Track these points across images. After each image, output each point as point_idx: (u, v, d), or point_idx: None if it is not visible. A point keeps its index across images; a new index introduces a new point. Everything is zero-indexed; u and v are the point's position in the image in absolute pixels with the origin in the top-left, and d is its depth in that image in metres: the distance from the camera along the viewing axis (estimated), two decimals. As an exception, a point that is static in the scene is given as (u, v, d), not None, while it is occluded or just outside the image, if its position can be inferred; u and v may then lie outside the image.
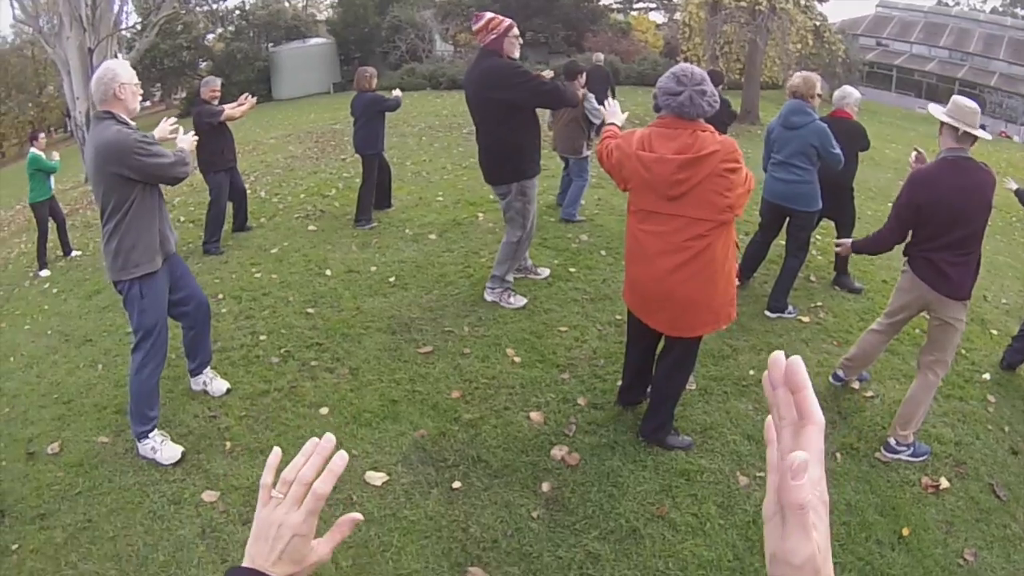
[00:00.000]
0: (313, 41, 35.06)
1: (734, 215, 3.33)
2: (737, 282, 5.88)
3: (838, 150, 5.35)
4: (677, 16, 22.59)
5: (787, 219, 5.72)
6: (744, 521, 3.46)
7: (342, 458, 0.85)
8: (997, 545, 3.79)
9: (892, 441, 4.19)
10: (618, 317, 5.21)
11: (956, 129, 3.81)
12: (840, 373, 4.80)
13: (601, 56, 18.36)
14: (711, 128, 3.33)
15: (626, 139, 3.50)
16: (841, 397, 4.76)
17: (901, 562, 3.34)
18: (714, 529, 3.40)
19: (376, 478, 3.63)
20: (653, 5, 44.21)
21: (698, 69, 3.33)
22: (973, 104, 3.85)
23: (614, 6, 42.87)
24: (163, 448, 3.87)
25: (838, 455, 4.08)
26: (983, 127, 4.03)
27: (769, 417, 0.63)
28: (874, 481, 3.92)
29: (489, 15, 4.97)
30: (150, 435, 3.88)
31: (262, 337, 5.22)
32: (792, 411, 0.60)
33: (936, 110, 3.99)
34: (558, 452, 3.83)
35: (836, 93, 6.24)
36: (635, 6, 44.34)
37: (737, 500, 3.59)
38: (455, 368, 4.65)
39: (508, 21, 4.94)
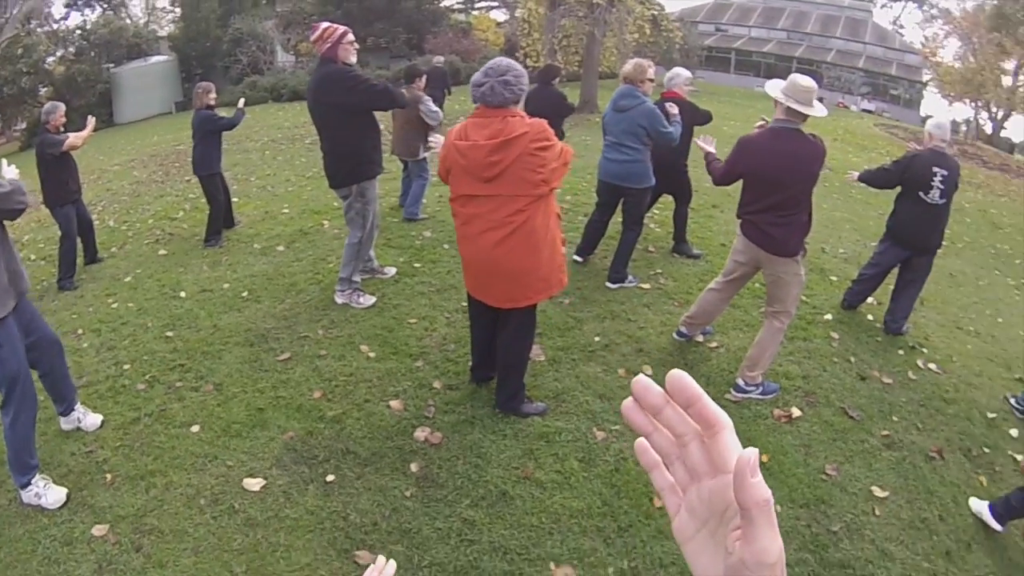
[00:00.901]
0: (155, 59, 33.34)
1: (550, 188, 3.56)
2: (579, 258, 6.18)
3: (670, 129, 5.61)
4: (518, 13, 22.93)
5: (622, 197, 5.98)
6: (606, 471, 3.71)
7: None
8: (858, 458, 4.24)
9: (741, 382, 4.53)
10: (463, 304, 5.37)
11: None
12: (683, 330, 5.14)
13: (440, 58, 18.60)
14: (522, 114, 3.54)
15: (449, 133, 3.70)
16: (687, 351, 5.11)
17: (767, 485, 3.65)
18: (579, 481, 3.62)
19: (254, 484, 3.65)
20: (495, 4, 44.68)
21: (507, 61, 3.57)
22: (808, 82, 4.13)
23: (455, 7, 43.09)
24: (47, 493, 3.71)
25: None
26: (821, 100, 4.37)
27: (641, 440, 0.60)
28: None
29: (325, 24, 5.05)
30: (32, 482, 3.72)
31: (126, 366, 5.10)
32: (689, 424, 0.57)
33: (771, 87, 4.28)
34: (421, 434, 3.96)
35: (666, 75, 6.52)
36: (476, 6, 44.73)
37: (597, 453, 3.85)
38: (314, 370, 4.71)
39: (342, 29, 5.02)
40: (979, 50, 33.60)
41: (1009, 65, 35.10)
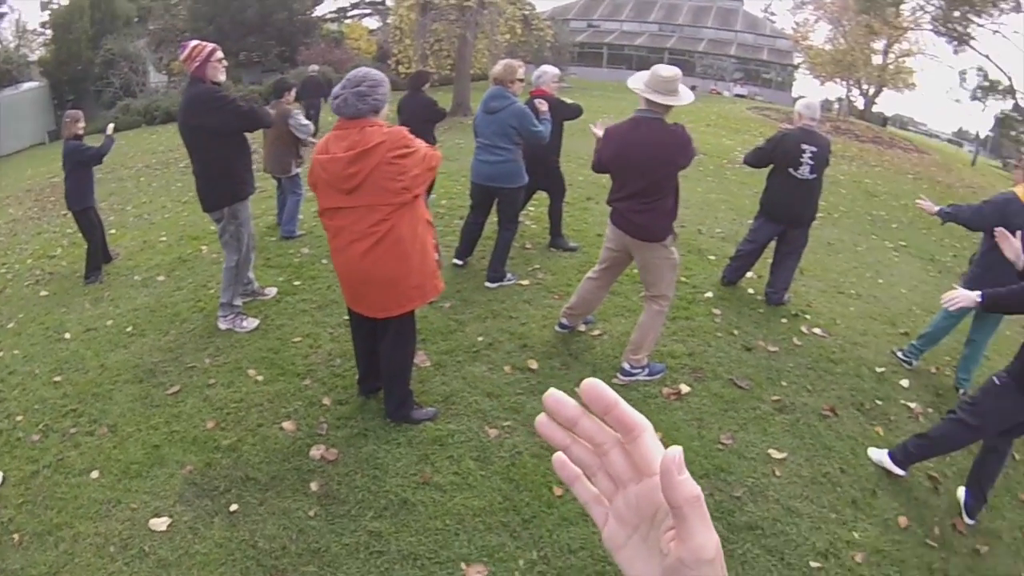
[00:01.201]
0: (26, 86, 31.62)
1: (413, 196, 3.57)
2: (458, 261, 6.20)
3: (540, 127, 5.67)
4: (389, 20, 22.85)
5: (495, 198, 6.03)
6: (503, 467, 3.77)
7: None
8: (751, 425, 4.42)
9: (626, 366, 4.65)
10: (346, 318, 5.33)
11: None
12: (565, 322, 5.24)
13: (315, 67, 18.48)
14: (381, 123, 3.54)
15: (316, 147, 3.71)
16: (571, 341, 5.21)
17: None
18: (477, 480, 3.66)
19: (160, 524, 3.56)
20: (367, 11, 44.46)
21: (363, 72, 3.59)
22: (668, 72, 4.21)
23: (328, 16, 42.70)
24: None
25: (577, 390, 4.40)
26: (694, 88, 4.47)
27: (558, 455, 0.60)
28: None
29: (193, 43, 4.96)
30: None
31: (18, 418, 4.90)
32: (608, 432, 0.56)
33: (633, 81, 4.34)
34: (317, 452, 3.93)
35: (534, 73, 6.57)
36: (349, 14, 44.42)
37: (491, 450, 3.91)
38: (205, 400, 4.62)
39: (210, 47, 4.94)
40: (849, 32, 34.95)
41: (879, 45, 36.84)
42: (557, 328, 5.27)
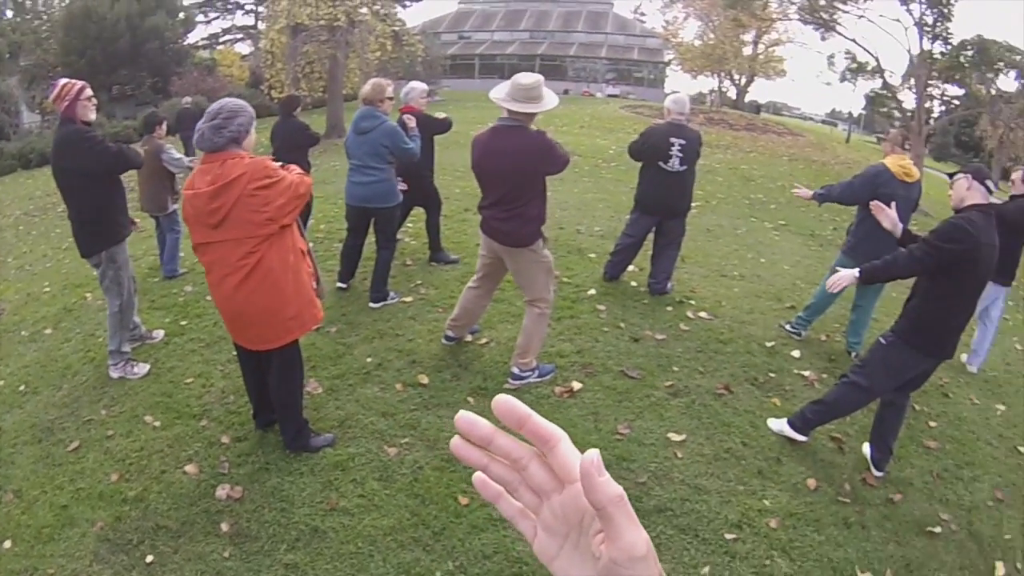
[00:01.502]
0: None
1: (280, 226, 3.54)
2: (342, 285, 6.19)
3: (411, 145, 5.72)
4: (261, 44, 22.53)
5: (372, 218, 6.07)
6: (406, 483, 3.82)
7: None
8: (647, 412, 4.56)
9: (516, 370, 4.74)
10: (234, 354, 5.27)
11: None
12: (451, 334, 5.28)
13: (188, 99, 18.13)
14: (242, 154, 3.50)
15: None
16: (459, 353, 5.27)
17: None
18: (383, 500, 3.69)
19: None
20: (239, 36, 43.71)
21: (220, 103, 3.54)
22: (527, 80, 4.23)
23: (199, 44, 41.78)
24: None
25: (470, 399, 4.56)
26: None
27: (478, 475, 0.60)
28: None
29: (63, 81, 4.82)
30: None
31: None
32: (523, 447, 0.57)
33: (493, 92, 4.38)
34: (222, 492, 3.89)
35: (402, 91, 6.61)
36: (221, 40, 43.58)
37: (393, 469, 3.95)
38: (106, 453, 4.50)
39: (79, 85, 4.81)
40: (718, 27, 36.16)
41: (748, 36, 38.23)
42: (444, 341, 5.31)
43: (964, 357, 6.40)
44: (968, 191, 3.87)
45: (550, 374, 4.87)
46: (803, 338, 6.00)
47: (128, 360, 5.38)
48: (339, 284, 6.43)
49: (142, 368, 5.38)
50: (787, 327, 6.09)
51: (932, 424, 5.19)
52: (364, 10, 19.35)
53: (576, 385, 4.78)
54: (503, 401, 0.55)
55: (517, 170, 4.32)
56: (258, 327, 3.70)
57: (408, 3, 42.86)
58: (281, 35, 19.27)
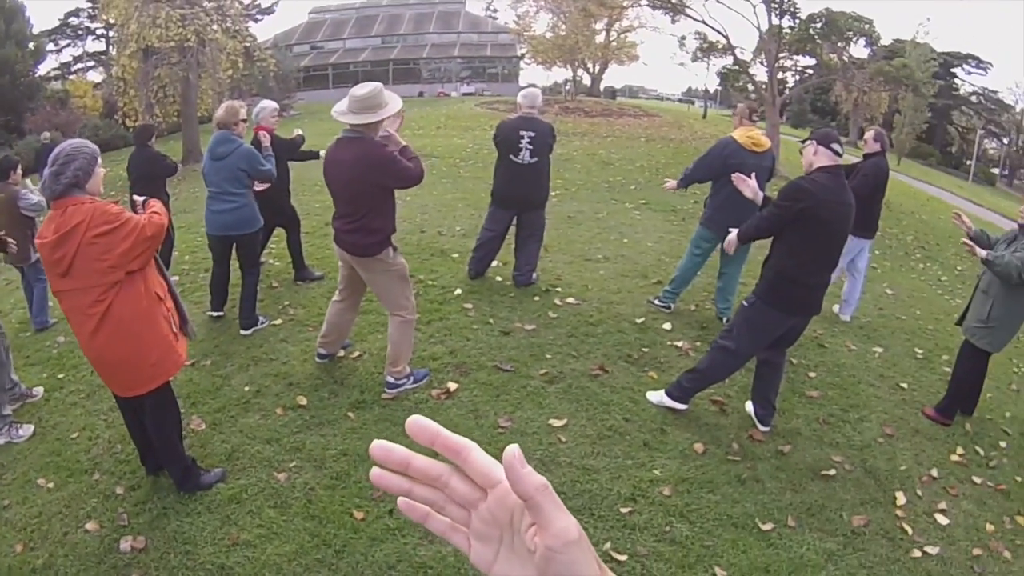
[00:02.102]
0: None
1: (126, 272, 3.44)
2: (216, 313, 6.11)
3: (268, 166, 5.72)
4: (113, 72, 21.61)
5: (234, 244, 5.96)
6: (301, 507, 3.83)
7: None
8: (526, 402, 4.72)
9: (391, 379, 4.80)
10: (115, 401, 5.10)
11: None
12: (322, 351, 5.26)
13: (47, 134, 17.41)
14: (84, 199, 3.38)
15: None
16: (334, 369, 5.28)
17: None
18: (281, 527, 3.71)
19: None
20: (91, 63, 41.88)
21: (59, 147, 3.43)
22: (362, 91, 4.26)
23: (51, 74, 39.77)
24: None
25: (351, 414, 4.61)
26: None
27: (402, 500, 0.60)
28: (393, 416, 4.53)
29: None
30: None
31: None
32: (440, 465, 0.58)
33: (335, 108, 4.41)
34: (126, 544, 3.81)
35: (253, 111, 6.54)
36: (73, 68, 41.63)
37: (286, 494, 3.94)
38: (5, 524, 4.32)
39: None
40: (569, 18, 36.73)
41: (599, 25, 39.02)
42: (317, 359, 5.28)
43: (836, 308, 6.89)
44: (815, 156, 4.18)
45: (425, 378, 4.96)
46: (672, 311, 6.28)
47: (11, 423, 5.17)
48: (213, 313, 6.28)
49: (27, 429, 5.18)
50: (656, 302, 6.36)
51: (812, 375, 5.58)
52: (215, 27, 18.87)
53: (452, 385, 4.87)
54: (414, 422, 0.56)
55: (356, 181, 4.35)
56: (121, 375, 3.63)
57: (259, 16, 42.11)
58: (132, 60, 18.62)
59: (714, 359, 4.50)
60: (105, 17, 19.40)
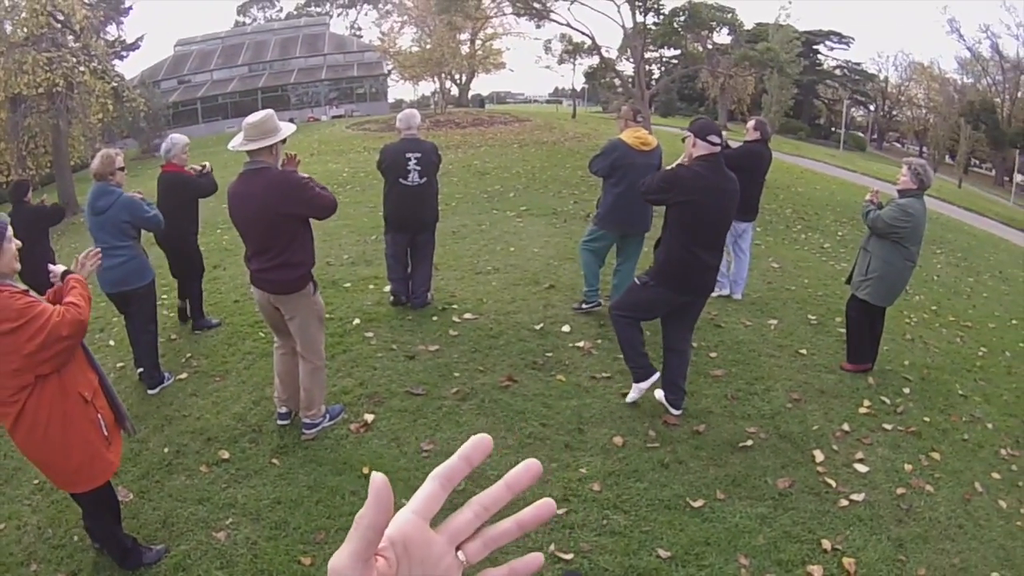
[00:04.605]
0: None
1: (40, 373, 3.00)
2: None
3: (152, 212, 5.43)
4: (-21, 125, 20.37)
5: (129, 301, 5.56)
6: (247, 562, 3.66)
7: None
8: (443, 423, 4.80)
9: (307, 420, 4.69)
10: (36, 482, 4.74)
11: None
12: (283, 410, 4.87)
13: None
14: None
15: None
16: (248, 418, 5.05)
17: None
18: None
19: None
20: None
21: None
22: (254, 118, 4.13)
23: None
24: None
25: (275, 461, 4.46)
26: (291, 120, 4.53)
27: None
28: (318, 457, 4.48)
29: None
30: None
31: None
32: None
33: (232, 143, 4.27)
34: None
35: (162, 147, 6.48)
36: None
37: (229, 552, 3.74)
38: None
39: None
40: (434, 31, 36.85)
41: (464, 35, 39.29)
42: (279, 421, 4.85)
43: (727, 290, 7.22)
44: (694, 147, 4.46)
45: (340, 414, 4.88)
46: (602, 306, 6.43)
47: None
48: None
49: None
50: (583, 307, 6.58)
51: (713, 355, 5.86)
52: (83, 68, 18.03)
53: (369, 417, 4.84)
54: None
55: (267, 212, 4.12)
56: (45, 473, 3.38)
57: (124, 53, 40.72)
58: (1, 111, 17.55)
59: (621, 332, 4.81)
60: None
